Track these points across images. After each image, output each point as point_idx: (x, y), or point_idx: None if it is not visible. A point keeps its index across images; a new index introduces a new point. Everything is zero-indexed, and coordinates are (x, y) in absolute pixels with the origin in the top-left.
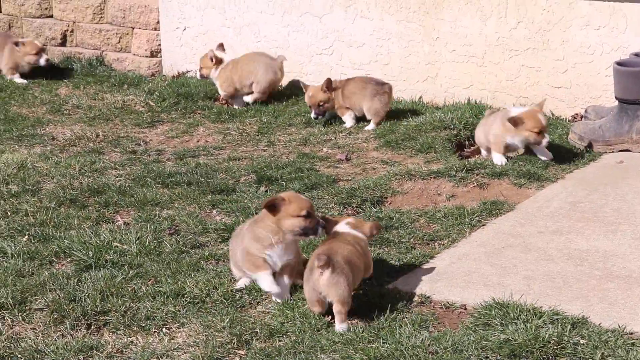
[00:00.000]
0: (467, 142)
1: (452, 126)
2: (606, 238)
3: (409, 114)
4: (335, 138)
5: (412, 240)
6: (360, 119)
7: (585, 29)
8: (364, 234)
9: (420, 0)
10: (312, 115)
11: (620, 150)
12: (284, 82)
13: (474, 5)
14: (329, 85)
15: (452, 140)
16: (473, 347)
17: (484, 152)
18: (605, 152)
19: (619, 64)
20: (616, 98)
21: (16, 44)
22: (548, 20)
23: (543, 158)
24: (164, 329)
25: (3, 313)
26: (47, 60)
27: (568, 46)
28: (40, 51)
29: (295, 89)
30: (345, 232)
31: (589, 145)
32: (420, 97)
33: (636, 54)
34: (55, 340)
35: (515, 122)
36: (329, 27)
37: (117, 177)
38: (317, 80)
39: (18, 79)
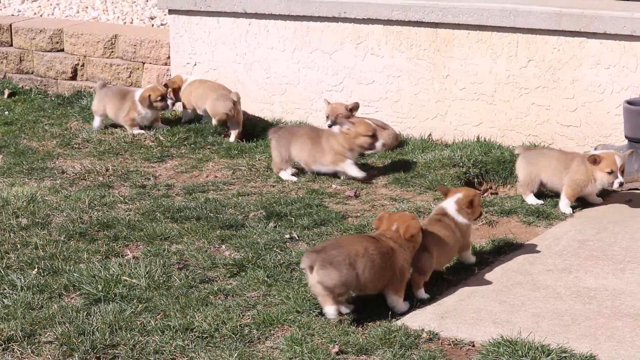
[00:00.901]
0: (476, 180)
1: (461, 164)
2: (615, 276)
3: (419, 151)
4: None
5: None
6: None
7: (596, 68)
8: None
9: (430, 38)
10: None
11: (630, 189)
12: (293, 118)
13: (484, 43)
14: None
15: (461, 178)
16: None
17: (523, 190)
18: (615, 191)
19: (629, 102)
20: (626, 137)
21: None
22: (558, 59)
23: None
24: None
25: (12, 345)
26: (173, 102)
27: (578, 85)
28: (164, 95)
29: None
30: None
31: None
32: (430, 134)
33: None
34: None
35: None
36: (339, 64)
37: (126, 211)
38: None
39: (137, 131)
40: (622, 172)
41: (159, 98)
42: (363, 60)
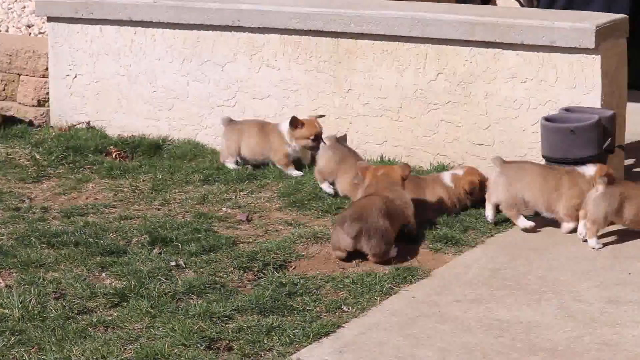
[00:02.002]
0: None
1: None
2: (529, 308)
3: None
4: (236, 197)
5: (317, 308)
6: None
7: (511, 82)
8: None
9: (331, 49)
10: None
11: None
12: (181, 135)
13: (390, 54)
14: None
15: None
16: None
17: (491, 215)
18: (531, 215)
19: (547, 119)
20: (543, 157)
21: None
22: (471, 72)
23: None
24: None
25: None
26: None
27: (492, 100)
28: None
29: (192, 145)
30: None
31: None
32: None
33: (566, 109)
34: None
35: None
36: (232, 77)
37: None
38: (216, 134)
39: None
40: None
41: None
42: (258, 73)
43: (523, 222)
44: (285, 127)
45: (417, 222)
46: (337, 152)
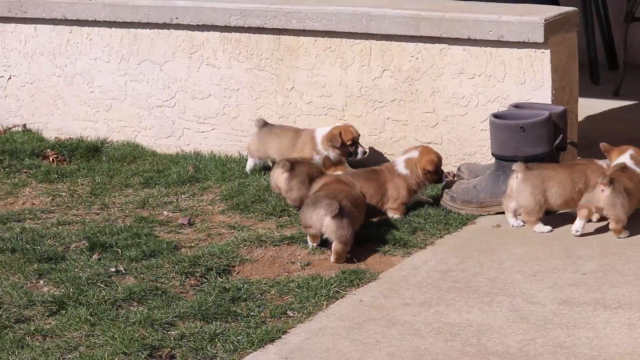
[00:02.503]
0: None
1: None
2: (480, 310)
3: (259, 173)
4: (177, 200)
5: (262, 313)
6: None
7: (459, 78)
8: None
9: (273, 46)
10: None
11: (497, 213)
12: (120, 137)
13: (333, 51)
14: None
15: None
16: None
17: (517, 221)
18: (481, 215)
19: (496, 116)
20: (493, 155)
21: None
22: (417, 68)
23: None
24: None
25: None
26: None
27: (439, 97)
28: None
29: (132, 147)
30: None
31: (463, 207)
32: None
33: (516, 106)
34: None
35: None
36: (171, 76)
37: None
38: (156, 136)
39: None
40: None
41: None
42: (198, 72)
43: (541, 228)
44: (320, 134)
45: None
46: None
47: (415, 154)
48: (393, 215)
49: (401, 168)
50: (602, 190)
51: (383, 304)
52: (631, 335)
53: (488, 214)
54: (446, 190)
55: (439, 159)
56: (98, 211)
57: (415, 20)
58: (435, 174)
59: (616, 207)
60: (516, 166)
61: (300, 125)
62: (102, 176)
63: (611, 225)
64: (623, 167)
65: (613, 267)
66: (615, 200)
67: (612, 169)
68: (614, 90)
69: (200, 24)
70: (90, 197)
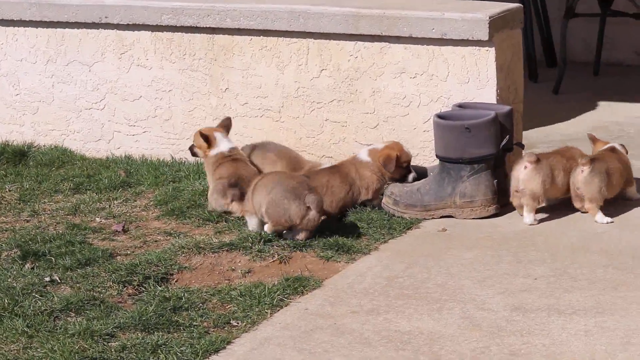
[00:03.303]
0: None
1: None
2: (431, 318)
3: (194, 177)
4: (110, 206)
5: (205, 323)
6: None
7: (400, 77)
8: None
9: (206, 46)
10: None
11: (442, 217)
12: (47, 141)
13: (269, 51)
14: None
15: None
16: None
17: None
18: (425, 219)
19: (440, 117)
20: (437, 156)
21: None
22: (356, 68)
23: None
24: None
25: None
26: None
27: (379, 97)
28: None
29: (60, 151)
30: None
31: (406, 211)
32: None
33: (459, 106)
34: None
35: None
36: (100, 77)
37: None
38: (85, 139)
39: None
40: None
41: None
42: (128, 73)
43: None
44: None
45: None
46: None
47: (379, 146)
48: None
49: (364, 157)
50: (582, 171)
51: (329, 312)
52: (588, 342)
53: (432, 218)
54: (388, 193)
55: (400, 156)
56: (28, 218)
57: (355, 18)
58: (388, 170)
59: (592, 186)
60: (527, 156)
61: (236, 127)
62: (30, 182)
63: (585, 205)
64: (612, 149)
65: (565, 271)
66: (592, 179)
67: (599, 151)
68: (553, 88)
69: (130, 23)
70: (19, 204)
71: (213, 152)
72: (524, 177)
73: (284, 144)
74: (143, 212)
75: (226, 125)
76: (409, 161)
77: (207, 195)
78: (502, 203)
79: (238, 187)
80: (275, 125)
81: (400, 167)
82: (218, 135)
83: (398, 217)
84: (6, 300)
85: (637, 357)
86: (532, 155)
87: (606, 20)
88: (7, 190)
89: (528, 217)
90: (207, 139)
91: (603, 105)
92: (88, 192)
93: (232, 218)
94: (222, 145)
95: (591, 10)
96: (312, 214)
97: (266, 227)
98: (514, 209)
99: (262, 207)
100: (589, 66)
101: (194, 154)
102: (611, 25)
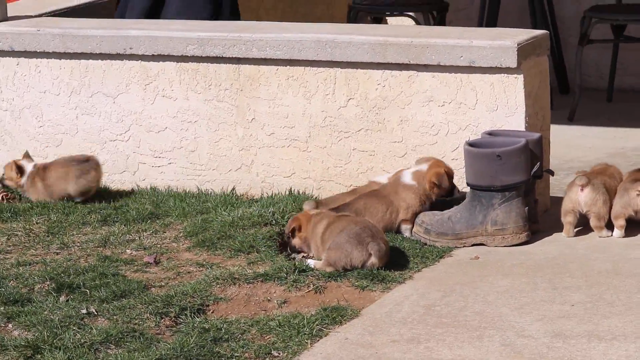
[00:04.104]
0: (290, 243)
1: (273, 221)
2: (472, 346)
3: (222, 208)
4: (140, 238)
5: (246, 354)
6: None
7: (428, 106)
8: None
9: (232, 76)
10: None
11: (474, 245)
12: None
13: (296, 80)
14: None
15: (275, 238)
16: None
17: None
18: (457, 247)
19: (471, 144)
20: (467, 184)
21: None
22: (384, 97)
23: None
24: None
25: None
26: None
27: (407, 126)
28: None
29: None
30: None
31: (438, 240)
32: (234, 188)
33: (489, 133)
34: None
35: None
36: (124, 109)
37: None
38: (110, 171)
39: None
40: None
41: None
42: (153, 104)
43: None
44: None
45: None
46: None
47: (423, 167)
48: (406, 227)
49: (408, 180)
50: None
51: (370, 342)
52: None
53: (464, 246)
54: (419, 222)
55: (447, 171)
56: (58, 250)
57: (382, 46)
58: (443, 188)
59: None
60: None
61: (263, 158)
62: (58, 214)
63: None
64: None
65: (601, 297)
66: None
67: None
68: (569, 115)
69: (155, 54)
70: (48, 236)
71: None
72: (585, 199)
73: (310, 174)
74: (173, 244)
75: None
76: (453, 175)
77: (237, 226)
78: (533, 230)
79: None
80: (302, 155)
81: (451, 184)
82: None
83: (430, 245)
84: (45, 333)
85: None
86: (583, 178)
87: (619, 46)
88: (35, 222)
89: (600, 234)
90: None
91: (619, 131)
92: (116, 223)
93: (264, 250)
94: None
95: (604, 37)
96: (373, 260)
97: (319, 266)
98: (544, 236)
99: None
100: (601, 92)
101: None
102: (623, 51)
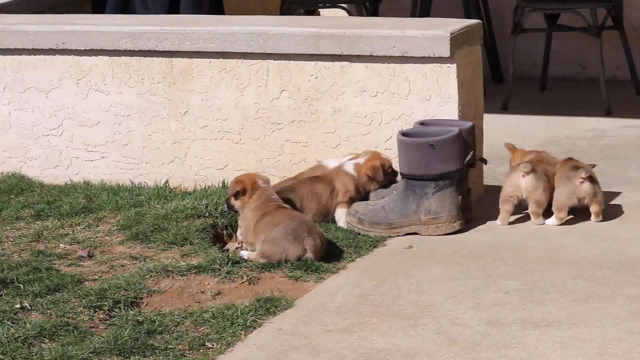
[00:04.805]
0: (225, 232)
1: (206, 214)
2: (406, 334)
3: (155, 201)
4: (73, 232)
5: (180, 345)
6: None
7: (361, 96)
8: None
9: (165, 70)
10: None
11: (407, 234)
12: (5, 169)
13: (229, 73)
14: None
15: (208, 231)
16: None
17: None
18: (390, 237)
19: (404, 134)
20: (401, 174)
21: None
22: (317, 88)
23: None
24: None
25: None
26: None
27: (340, 116)
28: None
29: (18, 178)
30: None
31: (371, 229)
32: (167, 181)
33: (422, 123)
34: None
35: None
36: (57, 104)
37: None
38: (43, 166)
39: None
40: None
41: (390, 169)
42: (86, 98)
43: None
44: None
45: None
46: None
47: (361, 161)
48: (342, 211)
49: (350, 169)
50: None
51: (304, 332)
52: (565, 354)
53: (397, 235)
54: (353, 212)
55: (383, 163)
56: None
57: (315, 38)
58: (377, 181)
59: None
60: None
61: (196, 150)
62: None
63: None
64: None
65: (535, 284)
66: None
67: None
68: (502, 104)
69: (88, 48)
70: None
71: None
72: (526, 185)
73: (244, 166)
74: (107, 237)
75: None
76: (391, 165)
77: (170, 218)
78: (466, 219)
79: None
80: (235, 148)
81: (386, 174)
82: None
83: (363, 235)
84: None
85: None
86: (527, 165)
87: (552, 35)
88: None
89: (536, 221)
90: None
91: (552, 120)
92: (50, 218)
93: (197, 242)
94: None
95: (537, 26)
96: (309, 255)
97: (253, 257)
98: (478, 224)
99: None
100: (535, 81)
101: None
102: (556, 40)
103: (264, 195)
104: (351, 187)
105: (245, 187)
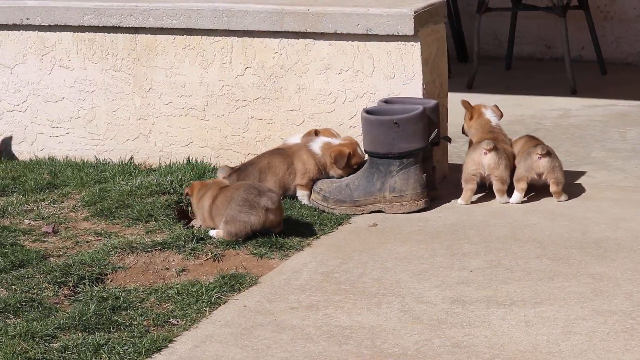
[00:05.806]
0: (190, 208)
1: (171, 190)
2: (370, 312)
3: (120, 177)
4: (38, 208)
5: (145, 322)
6: None
7: (325, 74)
8: None
9: (129, 46)
10: None
11: (372, 212)
12: None
13: (193, 49)
14: None
15: (173, 207)
16: None
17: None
18: (355, 214)
19: (368, 112)
20: (365, 152)
21: None
22: (281, 65)
23: None
24: None
25: None
26: None
27: (305, 94)
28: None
29: None
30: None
31: (336, 207)
32: (132, 157)
33: (385, 101)
34: None
35: None
36: (21, 79)
37: None
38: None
39: None
40: None
41: (356, 165)
42: (50, 74)
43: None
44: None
45: None
46: None
47: (334, 141)
48: (303, 193)
49: (316, 149)
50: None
51: (269, 309)
52: (529, 332)
53: (362, 213)
54: (317, 189)
55: (352, 155)
56: None
57: (279, 15)
58: (338, 168)
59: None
60: (486, 144)
61: (160, 127)
62: None
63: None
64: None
65: (500, 263)
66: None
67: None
68: (467, 83)
69: (52, 24)
70: None
71: None
72: (489, 162)
73: (208, 143)
74: (72, 213)
75: None
76: (359, 163)
77: (135, 195)
78: (431, 197)
79: None
80: (200, 124)
81: (349, 167)
82: None
83: (328, 213)
84: None
85: (579, 346)
86: (489, 142)
87: (517, 14)
88: None
89: (501, 199)
90: None
91: (517, 99)
92: (14, 194)
93: (161, 218)
94: None
95: (503, 5)
96: (270, 216)
97: (220, 235)
98: (442, 202)
99: (212, 222)
100: (500, 60)
101: None
102: (521, 19)
103: (206, 186)
104: (310, 166)
105: (192, 191)
